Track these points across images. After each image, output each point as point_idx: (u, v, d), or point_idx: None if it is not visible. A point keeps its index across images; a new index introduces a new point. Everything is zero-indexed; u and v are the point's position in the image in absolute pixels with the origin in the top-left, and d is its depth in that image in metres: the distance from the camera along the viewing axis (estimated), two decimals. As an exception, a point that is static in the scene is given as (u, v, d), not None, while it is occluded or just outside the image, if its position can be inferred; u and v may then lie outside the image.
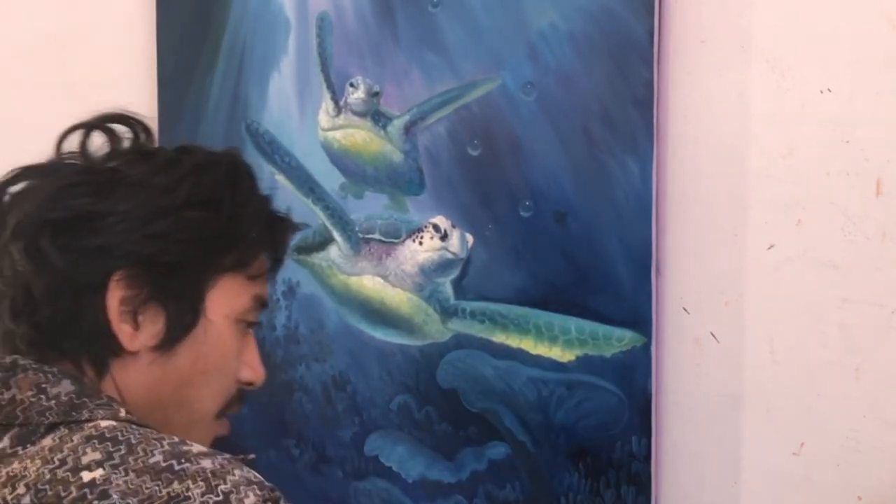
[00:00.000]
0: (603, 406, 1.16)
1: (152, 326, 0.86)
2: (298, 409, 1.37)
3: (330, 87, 1.30)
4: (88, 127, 0.90)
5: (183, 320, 0.87)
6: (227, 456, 0.77)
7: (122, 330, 0.84)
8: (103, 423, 0.79)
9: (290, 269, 1.34)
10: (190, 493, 0.73)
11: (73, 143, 0.91)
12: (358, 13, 1.27)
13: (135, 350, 0.85)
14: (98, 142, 0.91)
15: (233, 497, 0.73)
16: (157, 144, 0.95)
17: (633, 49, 1.10)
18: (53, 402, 0.81)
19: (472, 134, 1.21)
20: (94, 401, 0.81)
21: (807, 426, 1.10)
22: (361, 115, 1.28)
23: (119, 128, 0.91)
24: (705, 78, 1.10)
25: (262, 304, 0.93)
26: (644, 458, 1.15)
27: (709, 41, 1.10)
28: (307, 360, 1.35)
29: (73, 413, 0.80)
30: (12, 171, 0.88)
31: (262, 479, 0.76)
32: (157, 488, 0.73)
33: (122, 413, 0.82)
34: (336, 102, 1.30)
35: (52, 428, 0.79)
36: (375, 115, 1.27)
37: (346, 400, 1.33)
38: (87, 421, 0.79)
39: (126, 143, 0.91)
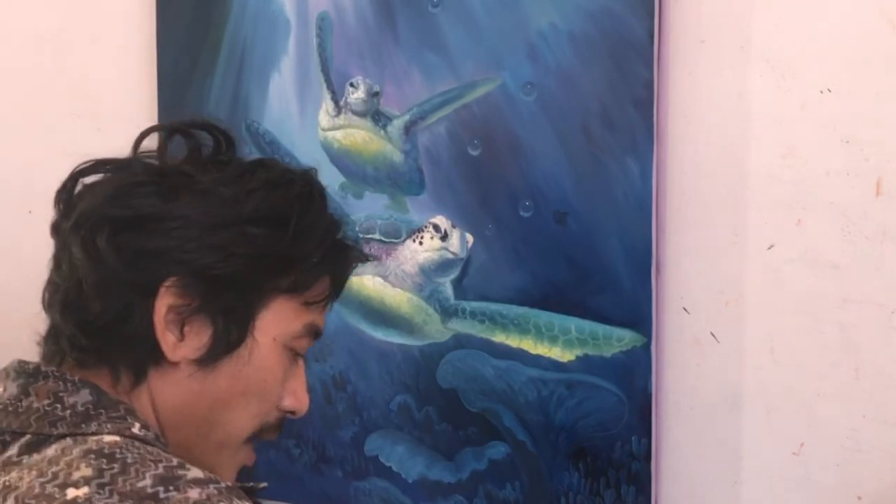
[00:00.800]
0: (603, 406, 1.16)
1: (197, 339, 0.82)
2: (298, 409, 1.36)
3: (330, 87, 1.30)
4: (169, 129, 0.88)
5: (229, 337, 0.83)
6: (224, 485, 0.73)
7: (166, 338, 0.81)
8: (107, 438, 0.76)
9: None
10: None
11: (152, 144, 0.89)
12: (358, 13, 1.27)
13: (176, 361, 0.82)
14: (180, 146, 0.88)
15: None
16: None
17: (633, 49, 1.10)
18: (69, 412, 0.78)
19: (472, 134, 1.21)
20: (109, 413, 0.79)
21: (807, 426, 1.10)
22: (361, 115, 1.28)
23: (202, 135, 0.88)
24: (705, 78, 1.10)
25: (315, 333, 0.90)
26: (644, 458, 1.15)
27: (709, 41, 1.10)
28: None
29: (83, 425, 0.78)
30: (86, 161, 0.86)
31: None
32: None
33: (136, 428, 0.79)
34: (336, 102, 1.30)
35: (59, 439, 0.77)
36: (375, 115, 1.27)
37: (346, 400, 1.33)
38: (94, 434, 0.77)
39: (206, 151, 0.88)
